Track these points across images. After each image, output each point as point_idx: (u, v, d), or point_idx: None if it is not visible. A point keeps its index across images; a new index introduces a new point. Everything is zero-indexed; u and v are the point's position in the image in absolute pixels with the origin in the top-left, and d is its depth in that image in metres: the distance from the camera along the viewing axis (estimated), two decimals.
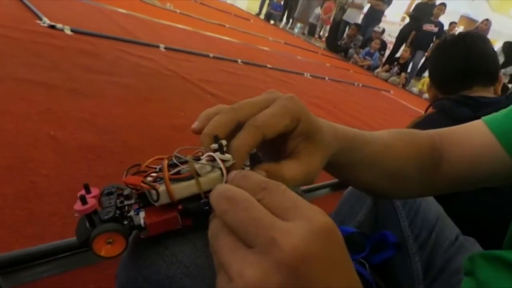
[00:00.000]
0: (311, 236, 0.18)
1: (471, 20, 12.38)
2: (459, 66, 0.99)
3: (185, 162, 0.27)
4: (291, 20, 10.14)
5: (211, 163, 0.26)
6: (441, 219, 0.65)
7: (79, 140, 1.08)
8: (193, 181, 0.26)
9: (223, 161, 0.26)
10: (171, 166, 0.27)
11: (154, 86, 1.75)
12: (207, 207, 0.26)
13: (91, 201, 0.27)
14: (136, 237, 0.32)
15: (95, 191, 0.29)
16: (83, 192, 0.28)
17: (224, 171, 0.26)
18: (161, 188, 0.26)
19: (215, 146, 0.26)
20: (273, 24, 9.14)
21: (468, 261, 0.43)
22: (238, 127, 0.28)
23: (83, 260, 0.72)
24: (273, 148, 0.31)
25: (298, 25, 9.90)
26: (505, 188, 0.74)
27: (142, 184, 0.26)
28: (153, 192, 0.26)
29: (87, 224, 0.27)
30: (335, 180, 1.48)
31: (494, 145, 0.40)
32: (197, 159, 0.27)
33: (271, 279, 0.17)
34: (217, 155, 0.26)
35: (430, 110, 1.00)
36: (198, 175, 0.26)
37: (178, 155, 0.28)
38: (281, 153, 0.31)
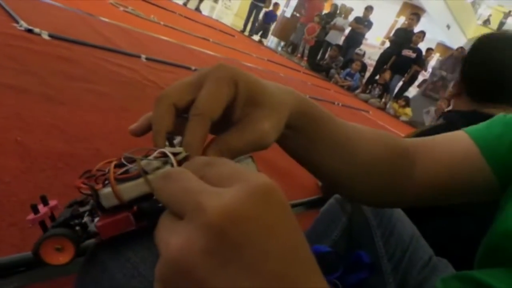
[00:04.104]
0: (243, 196, 0.17)
1: (447, 48, 12.99)
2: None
3: (134, 161, 0.26)
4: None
5: (161, 159, 0.25)
6: (415, 239, 0.64)
7: (48, 148, 1.03)
8: (141, 180, 0.25)
9: (175, 154, 0.25)
10: (121, 166, 0.26)
11: (132, 96, 1.72)
12: (160, 204, 0.24)
13: (43, 210, 0.26)
14: (94, 248, 0.30)
15: (53, 202, 0.28)
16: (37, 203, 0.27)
17: (175, 164, 0.25)
18: (107, 189, 0.24)
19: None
20: (257, 41, 9.31)
21: (441, 283, 0.42)
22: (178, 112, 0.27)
23: (39, 276, 0.67)
24: (225, 123, 0.30)
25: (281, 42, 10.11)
26: (475, 208, 0.75)
27: (81, 185, 0.25)
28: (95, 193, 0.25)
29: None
30: (310, 198, 1.47)
31: (475, 154, 0.39)
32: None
33: (194, 244, 0.16)
34: (167, 149, 0.25)
35: (440, 121, 0.97)
36: (146, 172, 0.25)
37: (128, 155, 0.26)
38: (232, 124, 0.29)
